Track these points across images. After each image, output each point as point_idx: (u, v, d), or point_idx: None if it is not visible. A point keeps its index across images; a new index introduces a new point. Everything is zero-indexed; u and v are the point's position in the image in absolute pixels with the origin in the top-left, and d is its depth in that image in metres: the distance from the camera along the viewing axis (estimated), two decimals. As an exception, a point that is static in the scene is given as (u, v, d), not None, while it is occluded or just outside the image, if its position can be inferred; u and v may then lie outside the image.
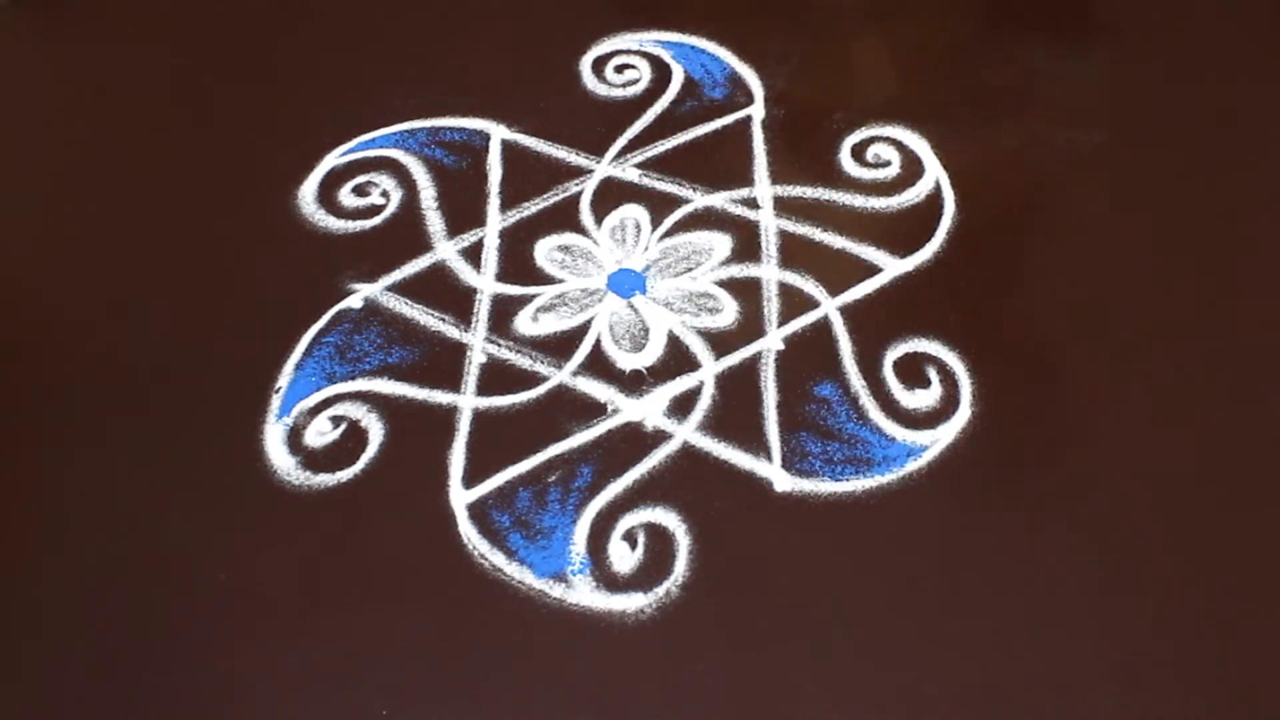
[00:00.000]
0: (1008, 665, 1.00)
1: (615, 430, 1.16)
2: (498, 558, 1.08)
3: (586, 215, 1.35)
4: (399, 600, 1.06)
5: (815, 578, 1.06)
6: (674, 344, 1.23)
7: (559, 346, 1.23)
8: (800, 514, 1.10)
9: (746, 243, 1.31)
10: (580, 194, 1.37)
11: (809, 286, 1.27)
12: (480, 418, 1.18)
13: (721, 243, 1.31)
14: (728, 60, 1.51)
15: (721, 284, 1.28)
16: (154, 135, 1.48)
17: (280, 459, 1.16)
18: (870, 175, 1.37)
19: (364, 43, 1.58)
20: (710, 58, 1.51)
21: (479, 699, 1.00)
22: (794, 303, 1.26)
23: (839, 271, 1.28)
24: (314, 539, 1.11)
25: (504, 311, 1.27)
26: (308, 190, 1.39)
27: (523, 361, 1.22)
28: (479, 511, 1.11)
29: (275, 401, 1.20)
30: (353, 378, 1.22)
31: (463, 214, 1.36)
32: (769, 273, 1.29)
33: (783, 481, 1.12)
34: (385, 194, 1.38)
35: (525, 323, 1.26)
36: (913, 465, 1.12)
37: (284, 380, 1.22)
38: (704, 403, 1.18)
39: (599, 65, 1.51)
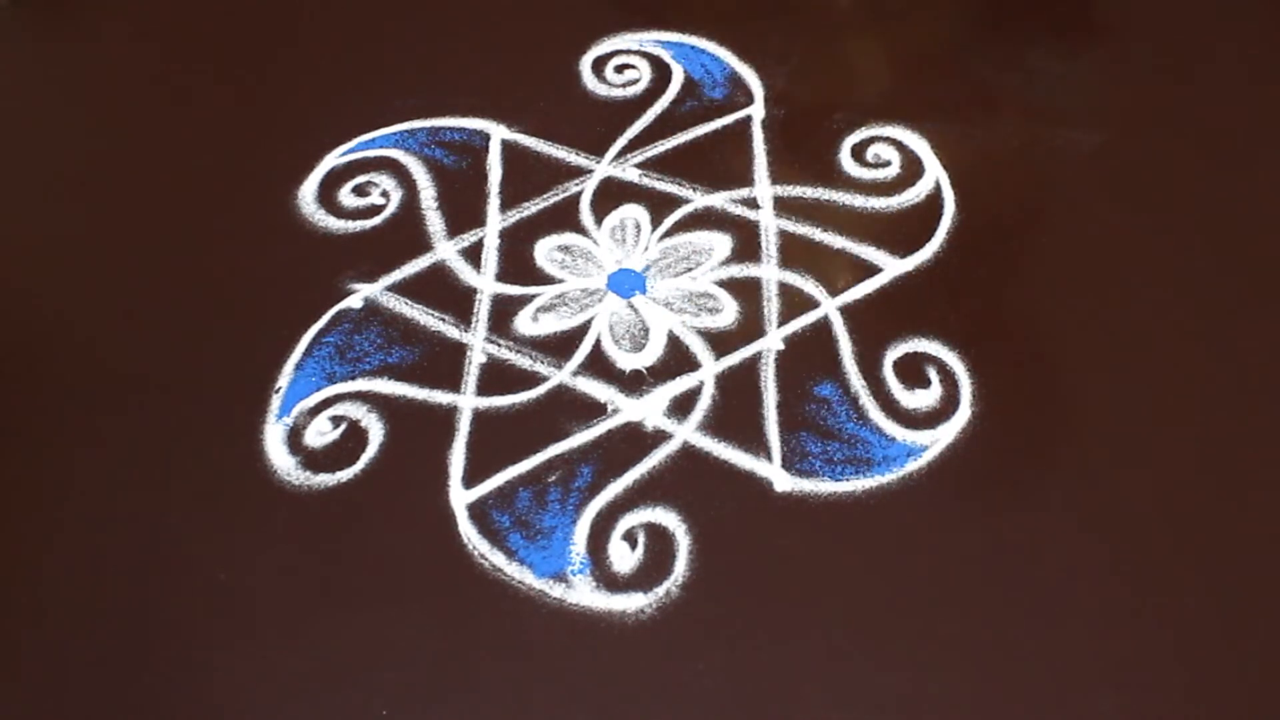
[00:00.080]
0: (1008, 665, 1.00)
1: (615, 430, 1.16)
2: (498, 558, 1.08)
3: (586, 215, 1.35)
4: (399, 600, 1.06)
5: (815, 578, 1.06)
6: (674, 344, 1.23)
7: (559, 346, 1.23)
8: (800, 514, 1.10)
9: (746, 243, 1.31)
10: (580, 194, 1.37)
11: (809, 286, 1.27)
12: (480, 418, 1.18)
13: (721, 243, 1.31)
14: (728, 60, 1.51)
15: (721, 284, 1.28)
16: (154, 135, 1.48)
17: (280, 459, 1.16)
18: (870, 175, 1.37)
19: (364, 43, 1.58)
20: (710, 58, 1.51)
21: (479, 699, 1.00)
22: (794, 303, 1.26)
23: (839, 271, 1.28)
24: (314, 539, 1.10)
25: (504, 311, 1.27)
26: (308, 190, 1.39)
27: (523, 361, 1.22)
28: (479, 511, 1.11)
29: (275, 401, 1.20)
30: (353, 378, 1.22)
31: (463, 214, 1.36)
32: (769, 273, 1.29)
33: (783, 481, 1.12)
34: (385, 194, 1.38)
35: (525, 323, 1.26)
36: (913, 465, 1.12)
37: (284, 380, 1.22)
38: (704, 403, 1.18)
39: (599, 65, 1.51)
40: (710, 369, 1.21)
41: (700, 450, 1.15)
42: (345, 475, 1.14)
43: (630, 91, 1.48)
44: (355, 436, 1.17)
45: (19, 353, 1.28)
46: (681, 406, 1.18)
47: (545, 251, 1.32)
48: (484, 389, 1.20)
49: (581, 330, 1.24)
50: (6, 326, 1.32)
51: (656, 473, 1.13)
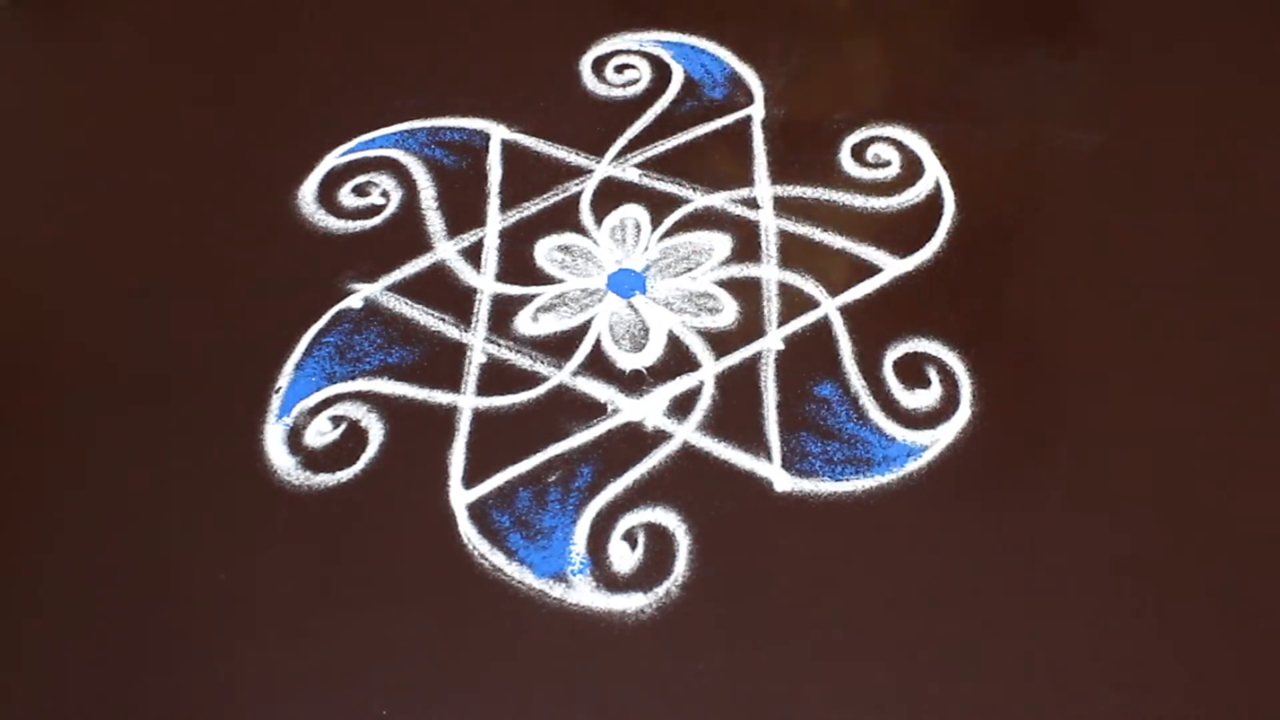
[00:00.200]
0: (1008, 665, 1.00)
1: (615, 430, 1.16)
2: (498, 558, 1.08)
3: (586, 215, 1.35)
4: (399, 600, 1.06)
5: (815, 578, 1.06)
6: (674, 344, 1.23)
7: (559, 346, 1.23)
8: (800, 514, 1.10)
9: (746, 243, 1.31)
10: (580, 194, 1.37)
11: (809, 286, 1.27)
12: (480, 418, 1.18)
13: (721, 243, 1.31)
14: (728, 60, 1.51)
15: (721, 284, 1.28)
16: (154, 135, 1.48)
17: (280, 459, 1.16)
18: (870, 175, 1.37)
19: (364, 43, 1.58)
20: (710, 58, 1.51)
21: (479, 699, 1.00)
22: (794, 303, 1.26)
23: (839, 271, 1.28)
24: (314, 539, 1.10)
25: (504, 311, 1.27)
26: (308, 190, 1.39)
27: (523, 361, 1.22)
28: (479, 511, 1.11)
29: (275, 401, 1.20)
30: (353, 378, 1.22)
31: (463, 214, 1.36)
32: (769, 273, 1.29)
33: (783, 481, 1.12)
34: (385, 194, 1.38)
35: (525, 323, 1.26)
36: (913, 465, 1.12)
37: (284, 380, 1.22)
38: (704, 403, 1.18)
39: (599, 65, 1.51)
40: (710, 369, 1.21)
41: (700, 450, 1.14)
42: (345, 475, 1.14)
43: (630, 91, 1.48)
44: (355, 436, 1.17)
45: (19, 353, 1.28)
46: (681, 406, 1.18)
47: (545, 251, 1.32)
48: (484, 389, 1.20)
49: (581, 330, 1.24)
50: (6, 326, 1.32)
51: (656, 473, 1.13)
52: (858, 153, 1.39)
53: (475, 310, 1.27)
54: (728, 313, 1.25)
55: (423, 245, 1.33)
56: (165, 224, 1.38)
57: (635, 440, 1.15)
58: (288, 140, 1.45)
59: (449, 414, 1.18)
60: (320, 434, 1.17)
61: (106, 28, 1.63)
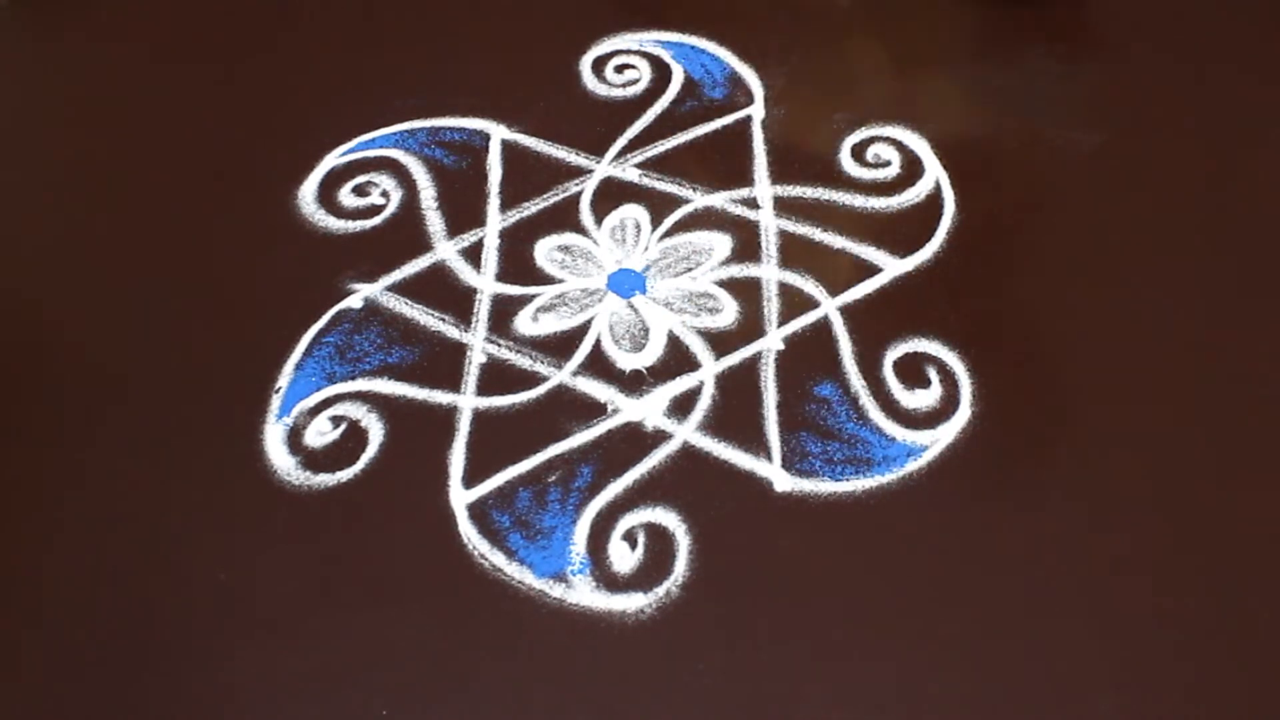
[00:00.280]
0: (1008, 665, 1.00)
1: (615, 430, 1.16)
2: (498, 558, 1.08)
3: (586, 215, 1.35)
4: (399, 600, 1.06)
5: (815, 578, 1.06)
6: (674, 344, 1.23)
7: (559, 346, 1.23)
8: (800, 514, 1.10)
9: (746, 243, 1.31)
10: (580, 194, 1.37)
11: (809, 286, 1.27)
12: (480, 418, 1.18)
13: (721, 243, 1.31)
14: (728, 60, 1.51)
15: (721, 284, 1.28)
16: (153, 135, 1.49)
17: (280, 459, 1.16)
18: (870, 175, 1.37)
19: (364, 43, 1.58)
20: (710, 58, 1.51)
21: (479, 699, 1.00)
22: (794, 303, 1.26)
23: (839, 271, 1.28)
24: (314, 539, 1.11)
25: (504, 311, 1.27)
26: (308, 190, 1.39)
27: (523, 361, 1.22)
28: (479, 511, 1.11)
29: (275, 401, 1.20)
30: (353, 378, 1.22)
31: (463, 214, 1.36)
32: (769, 273, 1.29)
33: (783, 481, 1.12)
34: (385, 194, 1.38)
35: (525, 323, 1.26)
36: (913, 465, 1.12)
37: (284, 380, 1.22)
38: (704, 403, 1.18)
39: (599, 65, 1.51)
40: (710, 369, 1.21)
41: (700, 450, 1.15)
42: (345, 475, 1.14)
43: (630, 91, 1.48)
44: (355, 436, 1.17)
45: (18, 353, 1.28)
46: (681, 406, 1.18)
47: (545, 251, 1.32)
48: (484, 389, 1.20)
49: (581, 330, 1.24)
50: (5, 326, 1.32)
51: (656, 473, 1.13)
52: (858, 153, 1.39)
53: (475, 310, 1.27)
54: (728, 313, 1.25)
55: (423, 245, 1.33)
56: (165, 224, 1.38)
57: (635, 440, 1.15)
58: (288, 140, 1.45)
59: (449, 414, 1.18)
60: (320, 434, 1.17)
61: (107, 28, 1.63)
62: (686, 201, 1.35)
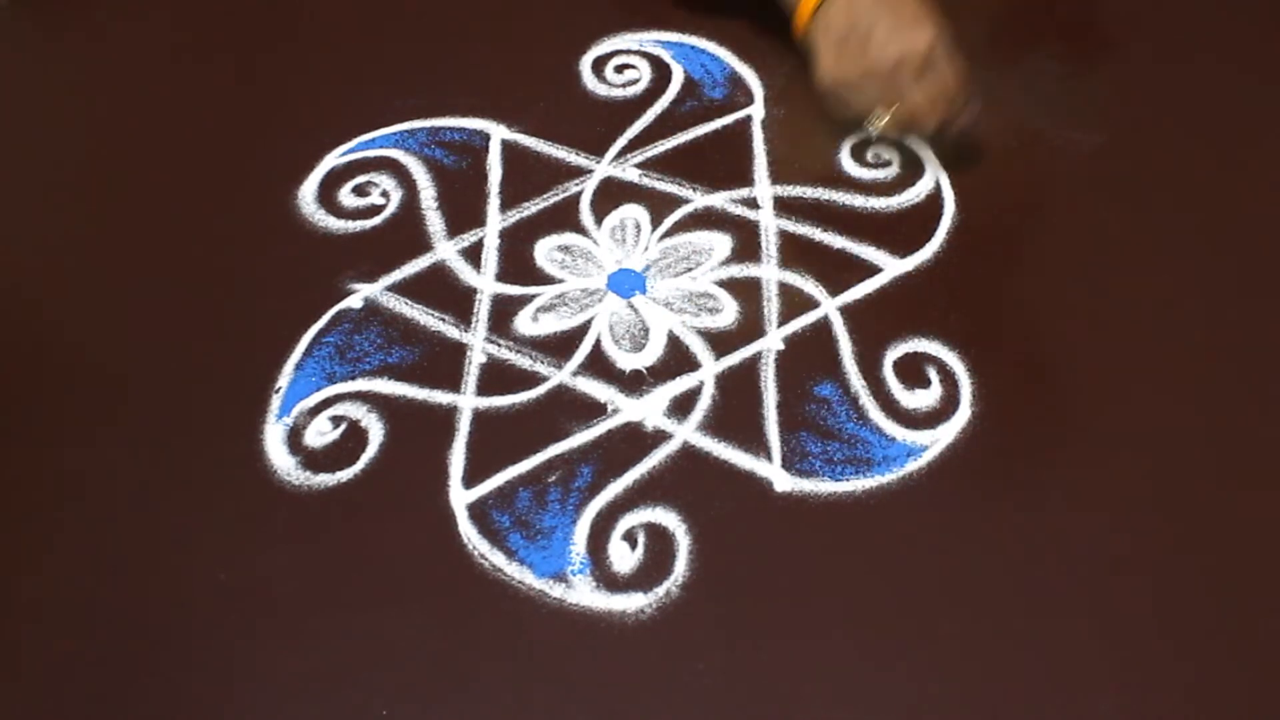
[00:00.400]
0: (1008, 665, 1.00)
1: (615, 430, 1.16)
2: (498, 558, 1.08)
3: (586, 215, 1.35)
4: (399, 600, 1.06)
5: (815, 578, 1.06)
6: (674, 344, 1.23)
7: (559, 346, 1.23)
8: (800, 514, 1.10)
9: (746, 243, 1.31)
10: (580, 194, 1.37)
11: (809, 286, 1.27)
12: (480, 418, 1.18)
13: (721, 243, 1.31)
14: (728, 60, 1.51)
15: (721, 284, 1.28)
16: (153, 135, 1.49)
17: (280, 459, 1.16)
18: (870, 175, 1.37)
19: (364, 43, 1.58)
20: (710, 58, 1.51)
21: (479, 699, 1.00)
22: (794, 303, 1.26)
23: (839, 271, 1.28)
24: (314, 539, 1.11)
25: (504, 311, 1.27)
26: (308, 190, 1.39)
27: (523, 361, 1.22)
28: (479, 511, 1.11)
29: (275, 401, 1.20)
30: (353, 378, 1.22)
31: (463, 214, 1.36)
32: (769, 273, 1.29)
33: (783, 481, 1.12)
34: (385, 194, 1.38)
35: (525, 323, 1.26)
36: (913, 465, 1.12)
37: (284, 380, 1.22)
38: (704, 403, 1.18)
39: (599, 65, 1.51)
40: (710, 369, 1.21)
41: (700, 450, 1.14)
42: (345, 475, 1.14)
43: (630, 91, 1.48)
44: (355, 436, 1.17)
45: (18, 353, 1.28)
46: (681, 406, 1.18)
47: (545, 251, 1.32)
48: (484, 389, 1.20)
49: (581, 330, 1.24)
50: (5, 326, 1.32)
51: (656, 473, 1.13)
52: (858, 153, 1.39)
53: (475, 310, 1.27)
54: (728, 313, 1.25)
55: (423, 245, 1.33)
56: (165, 223, 1.38)
57: (635, 440, 1.15)
58: (288, 140, 1.45)
59: (449, 414, 1.18)
60: (320, 434, 1.17)
61: (107, 28, 1.64)
62: (686, 201, 1.35)
